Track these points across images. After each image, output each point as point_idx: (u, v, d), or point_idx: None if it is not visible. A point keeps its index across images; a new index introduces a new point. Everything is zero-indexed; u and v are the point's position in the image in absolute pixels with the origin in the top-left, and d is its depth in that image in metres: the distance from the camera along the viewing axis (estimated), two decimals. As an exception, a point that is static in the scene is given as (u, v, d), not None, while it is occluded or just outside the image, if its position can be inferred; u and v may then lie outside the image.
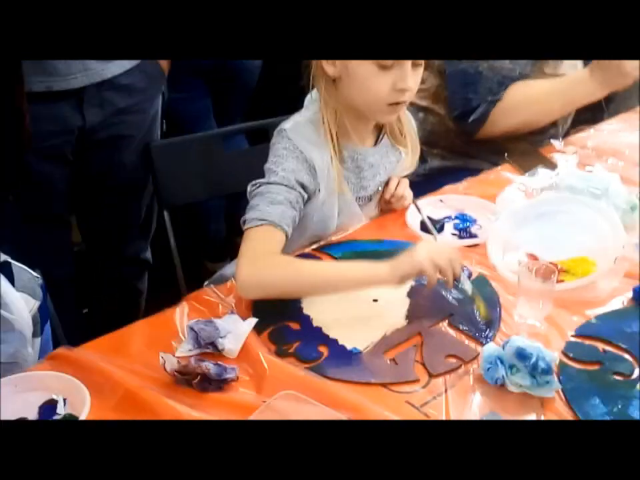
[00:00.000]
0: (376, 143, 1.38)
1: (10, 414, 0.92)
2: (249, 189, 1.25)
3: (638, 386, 1.01)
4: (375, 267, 1.13)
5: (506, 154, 1.68)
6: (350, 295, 1.17)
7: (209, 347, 1.05)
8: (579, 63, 1.77)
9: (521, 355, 0.99)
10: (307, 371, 1.03)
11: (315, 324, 1.13)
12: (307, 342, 1.09)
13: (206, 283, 1.60)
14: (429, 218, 1.40)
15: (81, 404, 0.93)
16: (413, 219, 1.41)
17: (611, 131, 1.83)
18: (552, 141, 1.74)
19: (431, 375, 1.03)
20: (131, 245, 1.79)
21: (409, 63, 1.19)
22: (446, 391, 1.00)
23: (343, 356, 1.06)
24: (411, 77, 1.21)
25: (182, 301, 1.18)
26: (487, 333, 1.11)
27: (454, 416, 0.96)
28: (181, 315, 1.14)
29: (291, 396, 0.97)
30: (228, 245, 2.68)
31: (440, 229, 1.39)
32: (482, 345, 1.08)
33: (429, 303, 1.18)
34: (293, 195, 1.22)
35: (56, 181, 1.56)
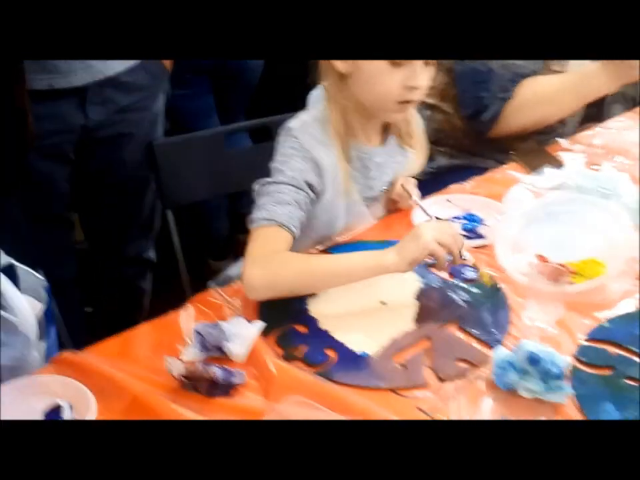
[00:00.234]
0: (383, 143, 1.36)
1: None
2: (255, 187, 1.24)
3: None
4: (382, 254, 1.12)
5: (512, 152, 1.66)
6: (357, 297, 1.16)
7: (215, 351, 1.04)
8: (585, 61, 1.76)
9: (533, 359, 0.98)
10: (315, 375, 1.01)
11: (322, 327, 1.12)
12: (314, 345, 1.08)
13: (210, 283, 1.60)
14: (436, 219, 1.38)
15: (86, 409, 0.92)
16: (419, 219, 1.39)
17: (618, 128, 1.81)
18: (558, 139, 1.72)
19: (441, 380, 1.01)
20: (134, 244, 1.78)
21: (420, 60, 1.18)
22: (456, 396, 0.99)
23: (352, 360, 1.05)
24: (421, 75, 1.19)
25: (187, 303, 1.17)
26: (496, 336, 1.10)
27: (465, 421, 0.95)
28: (187, 318, 1.12)
29: (298, 402, 0.95)
30: (231, 242, 2.67)
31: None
32: (492, 348, 1.06)
33: (437, 305, 1.17)
34: (300, 195, 1.21)
35: (57, 179, 1.54)
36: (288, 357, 1.05)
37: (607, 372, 1.04)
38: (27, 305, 1.05)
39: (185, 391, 0.99)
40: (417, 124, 1.39)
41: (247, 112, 2.59)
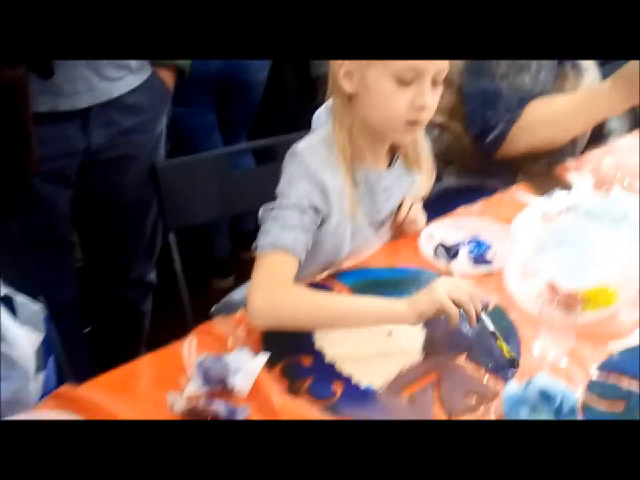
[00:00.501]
0: (390, 166, 1.34)
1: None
2: (260, 212, 1.22)
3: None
4: (392, 303, 1.10)
5: (520, 174, 1.64)
6: (364, 329, 1.13)
7: (218, 385, 1.01)
8: (598, 79, 1.73)
9: (545, 396, 0.95)
10: (320, 412, 0.99)
11: (327, 359, 1.10)
12: (320, 379, 1.05)
13: (213, 309, 1.58)
14: (443, 243, 1.37)
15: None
16: (426, 244, 1.37)
17: (626, 148, 1.79)
18: (567, 160, 1.70)
19: (450, 416, 0.99)
20: (135, 267, 1.76)
21: (428, 80, 1.16)
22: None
23: (358, 395, 1.03)
24: (429, 94, 1.17)
25: (190, 333, 1.14)
26: (507, 369, 1.07)
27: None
28: (189, 349, 1.10)
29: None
30: (233, 260, 2.65)
31: (454, 255, 1.35)
32: (502, 380, 1.04)
33: (445, 335, 1.14)
34: (306, 219, 1.19)
35: (59, 202, 1.52)
36: (293, 390, 1.03)
37: (619, 406, 1.01)
38: (24, 337, 1.03)
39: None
40: (424, 147, 1.37)
41: (249, 129, 2.58)
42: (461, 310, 1.08)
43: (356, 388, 1.04)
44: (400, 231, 1.43)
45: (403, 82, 1.15)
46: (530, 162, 1.69)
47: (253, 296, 1.11)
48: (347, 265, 1.34)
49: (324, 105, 1.74)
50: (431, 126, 1.59)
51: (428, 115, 1.21)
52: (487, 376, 1.06)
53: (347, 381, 1.05)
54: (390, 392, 1.03)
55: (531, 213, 1.44)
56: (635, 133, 1.89)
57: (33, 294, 1.33)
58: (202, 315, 1.57)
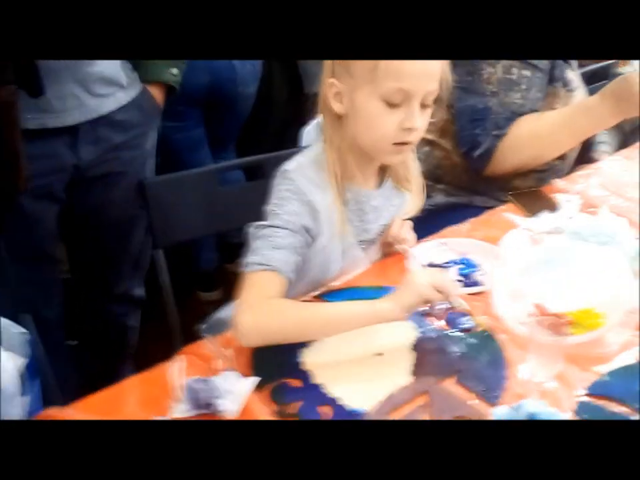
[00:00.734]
0: (380, 185, 1.34)
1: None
2: (249, 230, 1.21)
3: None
4: (377, 302, 1.11)
5: (509, 194, 1.65)
6: (353, 349, 1.13)
7: (206, 408, 1.01)
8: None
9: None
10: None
11: (316, 381, 1.09)
12: (308, 402, 1.05)
13: (201, 327, 1.57)
14: (431, 264, 1.37)
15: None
16: (414, 265, 1.37)
17: (613, 168, 1.80)
18: (554, 180, 1.71)
19: (438, 440, 0.99)
20: (122, 283, 1.75)
21: (417, 102, 1.16)
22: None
23: (346, 418, 1.02)
24: (418, 116, 1.18)
25: (177, 354, 1.13)
26: (495, 392, 1.07)
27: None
28: (177, 371, 1.09)
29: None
30: (219, 273, 2.64)
31: (443, 275, 1.35)
32: (490, 404, 1.04)
33: (434, 357, 1.14)
34: (296, 239, 1.19)
35: (46, 219, 1.52)
36: (281, 414, 1.03)
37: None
38: (8, 362, 1.01)
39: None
40: (413, 166, 1.38)
41: (237, 143, 2.58)
42: (447, 332, 1.10)
43: (345, 410, 1.03)
44: (389, 251, 1.43)
45: (391, 104, 1.16)
46: (519, 179, 1.69)
47: (241, 315, 1.11)
48: (335, 284, 1.34)
49: (313, 122, 1.75)
50: (421, 143, 1.59)
51: (417, 136, 1.21)
52: (476, 400, 1.06)
53: (335, 403, 1.05)
54: (379, 414, 1.03)
55: (519, 233, 1.45)
56: (622, 152, 1.91)
57: (18, 310, 1.33)
58: (189, 328, 1.57)
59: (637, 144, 1.93)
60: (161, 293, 1.61)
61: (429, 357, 1.14)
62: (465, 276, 1.35)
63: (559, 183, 1.70)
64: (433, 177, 1.71)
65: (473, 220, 1.56)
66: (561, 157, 1.73)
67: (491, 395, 1.06)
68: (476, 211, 1.64)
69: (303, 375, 1.10)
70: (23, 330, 1.12)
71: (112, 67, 1.48)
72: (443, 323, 1.22)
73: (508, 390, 1.08)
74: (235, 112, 2.41)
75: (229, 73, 2.23)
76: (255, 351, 1.13)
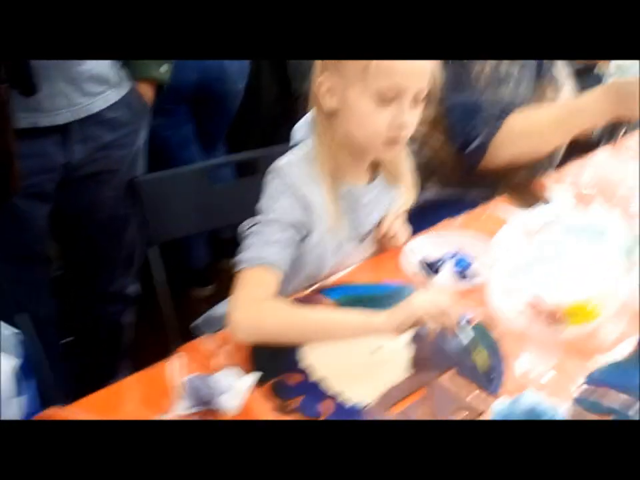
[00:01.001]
0: (372, 181, 1.34)
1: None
2: (243, 226, 1.21)
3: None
4: (371, 316, 1.10)
5: (501, 188, 1.65)
6: (351, 345, 1.13)
7: (207, 405, 1.00)
8: (575, 93, 1.76)
9: (533, 412, 0.96)
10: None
11: (315, 377, 1.09)
12: (308, 397, 1.05)
13: (194, 324, 1.56)
14: (426, 258, 1.37)
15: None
16: (408, 260, 1.37)
17: (604, 161, 1.82)
18: (546, 172, 1.72)
19: (439, 433, 0.99)
20: (115, 281, 1.74)
21: (408, 99, 1.16)
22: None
23: (346, 414, 1.02)
24: (409, 113, 1.18)
25: (176, 352, 1.13)
26: (492, 383, 1.07)
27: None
28: (176, 369, 1.08)
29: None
30: (212, 269, 2.64)
31: (437, 270, 1.36)
32: (489, 395, 1.04)
33: (433, 351, 1.14)
34: (288, 234, 1.19)
35: (37, 218, 1.50)
36: (282, 409, 1.02)
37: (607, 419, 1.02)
38: (2, 363, 1.00)
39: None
40: (405, 162, 1.38)
41: (227, 140, 2.57)
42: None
43: (345, 406, 1.03)
44: (383, 246, 1.43)
45: (383, 101, 1.16)
46: (509, 173, 1.70)
47: (234, 311, 1.11)
48: (330, 279, 1.34)
49: (304, 118, 1.75)
50: (411, 139, 1.60)
51: (408, 133, 1.21)
52: (475, 392, 1.06)
53: (335, 398, 1.05)
54: (379, 409, 1.03)
55: (513, 228, 1.45)
56: (613, 145, 1.92)
57: (9, 309, 1.32)
58: (183, 325, 1.57)
59: (629, 136, 1.95)
60: (155, 290, 1.60)
61: (427, 350, 1.15)
62: (460, 270, 1.35)
63: (551, 176, 1.71)
64: (423, 172, 1.70)
65: (466, 214, 1.57)
66: (551, 153, 1.75)
67: (489, 387, 1.07)
68: (468, 205, 1.64)
69: (303, 372, 1.10)
70: (16, 330, 1.10)
71: (102, 66, 1.47)
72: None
73: (507, 382, 1.08)
74: (223, 109, 2.40)
75: (217, 69, 2.22)
76: (254, 347, 1.13)
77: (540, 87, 1.68)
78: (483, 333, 1.18)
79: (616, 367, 1.11)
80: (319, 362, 1.12)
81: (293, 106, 1.64)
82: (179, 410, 1.00)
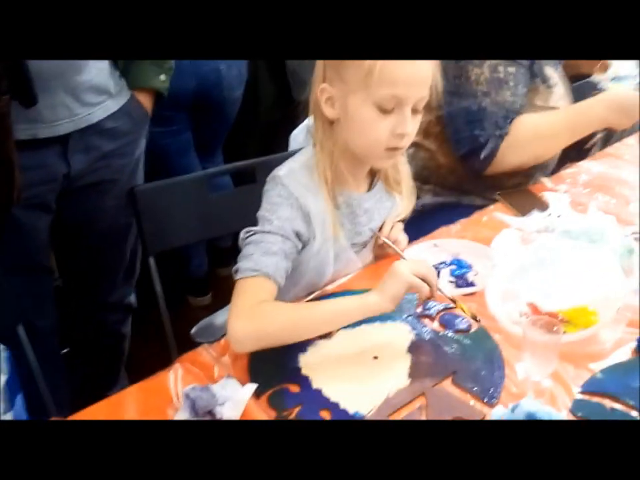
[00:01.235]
0: (370, 188, 1.35)
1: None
2: (241, 236, 1.22)
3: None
4: (365, 296, 1.12)
5: (498, 194, 1.66)
6: (349, 353, 1.14)
7: (206, 415, 1.01)
8: (567, 95, 1.76)
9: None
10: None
11: (314, 385, 1.10)
12: (307, 407, 1.05)
13: (193, 330, 1.57)
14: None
15: None
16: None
17: (600, 165, 1.82)
18: (542, 179, 1.73)
19: (437, 441, 0.99)
20: (114, 291, 1.75)
21: (409, 108, 1.17)
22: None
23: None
24: (410, 122, 1.19)
25: (175, 362, 1.14)
26: (492, 392, 1.08)
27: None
28: (175, 379, 1.09)
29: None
30: (210, 277, 2.64)
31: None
32: (487, 404, 1.05)
33: (430, 359, 1.15)
34: (287, 245, 1.19)
35: (38, 229, 1.51)
36: (281, 419, 1.03)
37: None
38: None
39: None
40: (404, 169, 1.38)
41: (225, 147, 2.58)
42: (440, 333, 1.10)
43: (344, 414, 1.04)
44: (382, 253, 1.44)
45: (384, 110, 1.16)
46: (505, 177, 1.71)
47: (234, 322, 1.10)
48: (329, 287, 1.35)
49: (301, 125, 1.76)
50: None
51: (408, 141, 1.22)
52: (473, 400, 1.07)
53: (334, 407, 1.05)
54: (378, 417, 1.03)
55: (510, 233, 1.46)
56: (606, 150, 1.93)
57: (12, 320, 1.32)
58: (181, 333, 1.57)
59: (624, 140, 1.96)
60: (153, 299, 1.61)
61: (425, 358, 1.15)
62: (458, 277, 1.36)
63: (547, 181, 1.72)
64: (419, 178, 1.72)
65: (463, 220, 1.57)
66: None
67: (488, 395, 1.07)
68: (465, 210, 1.65)
69: (301, 380, 1.11)
70: (2, 346, 1.11)
71: (101, 76, 1.48)
72: (438, 324, 1.23)
73: (504, 390, 1.09)
74: (221, 116, 2.41)
75: (214, 77, 2.23)
76: (251, 357, 1.14)
77: (532, 88, 1.69)
78: (484, 338, 1.19)
79: (611, 374, 1.12)
80: (316, 372, 1.12)
81: (291, 112, 1.65)
82: (179, 420, 1.00)
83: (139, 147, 1.63)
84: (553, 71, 1.72)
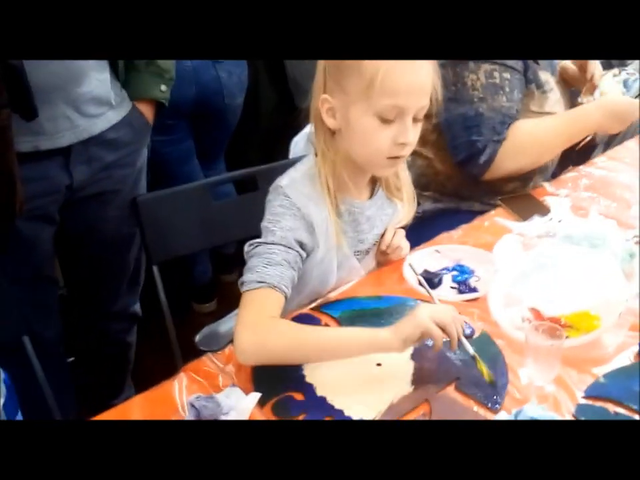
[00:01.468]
0: (372, 196, 1.36)
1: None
2: (245, 249, 1.22)
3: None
4: (377, 332, 1.11)
5: (499, 199, 1.66)
6: (353, 360, 1.14)
7: (211, 425, 1.02)
8: (562, 100, 1.77)
9: (535, 426, 0.97)
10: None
11: (318, 393, 1.10)
12: (312, 414, 1.06)
13: (197, 338, 1.58)
14: (426, 272, 1.38)
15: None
16: (409, 273, 1.38)
17: (600, 169, 1.83)
18: (543, 183, 1.73)
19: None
20: (119, 300, 1.75)
21: (410, 117, 1.18)
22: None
23: (350, 430, 1.03)
24: (411, 131, 1.19)
25: (180, 372, 1.14)
26: (495, 398, 1.08)
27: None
28: (180, 389, 1.10)
29: None
30: (215, 284, 2.65)
31: (438, 283, 1.37)
32: (492, 411, 1.05)
33: (434, 366, 1.16)
34: (291, 255, 1.19)
35: (42, 240, 1.52)
36: (285, 428, 1.03)
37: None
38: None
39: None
40: (404, 176, 1.39)
41: (227, 155, 2.59)
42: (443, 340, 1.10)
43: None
44: (384, 260, 1.44)
45: (385, 120, 1.17)
46: (503, 182, 1.71)
47: (240, 334, 1.10)
48: (332, 295, 1.35)
49: (302, 132, 1.76)
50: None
51: (409, 150, 1.23)
52: (476, 406, 1.07)
53: (339, 414, 1.06)
54: (382, 425, 1.04)
55: (511, 239, 1.46)
56: (607, 153, 1.93)
57: (16, 331, 1.33)
58: (187, 340, 1.58)
59: (625, 144, 1.96)
60: (158, 307, 1.61)
61: (428, 365, 1.16)
62: (460, 282, 1.37)
63: (548, 186, 1.72)
64: (418, 185, 1.73)
65: (464, 226, 1.58)
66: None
67: (492, 401, 1.08)
68: (465, 215, 1.66)
69: (305, 388, 1.11)
70: None
71: (101, 87, 1.49)
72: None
73: (508, 396, 1.09)
74: (222, 124, 2.42)
75: (215, 85, 2.24)
76: (255, 366, 1.14)
77: (527, 93, 1.70)
78: (487, 344, 1.20)
79: (614, 378, 1.12)
80: (321, 379, 1.13)
81: (293, 119, 1.65)
82: (184, 430, 1.01)
83: (140, 157, 1.64)
84: (548, 76, 1.73)
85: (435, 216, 1.79)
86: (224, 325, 1.54)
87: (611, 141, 2.00)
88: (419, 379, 1.12)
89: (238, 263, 1.22)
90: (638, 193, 1.61)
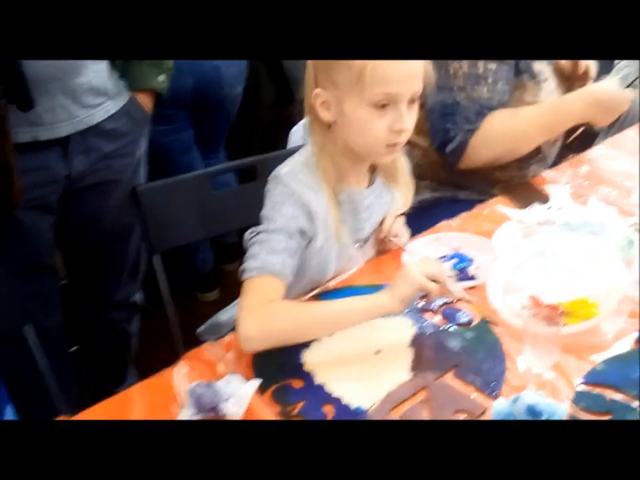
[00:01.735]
0: (370, 184, 1.36)
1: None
2: (246, 237, 1.22)
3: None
4: (375, 296, 1.14)
5: (498, 188, 1.66)
6: (352, 348, 1.15)
7: (210, 412, 1.02)
8: (558, 90, 1.76)
9: (533, 412, 0.97)
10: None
11: (317, 381, 1.11)
12: (310, 401, 1.06)
13: (199, 330, 1.58)
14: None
15: None
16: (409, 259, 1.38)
17: (601, 157, 1.82)
18: (543, 171, 1.73)
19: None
20: (120, 289, 1.76)
21: (404, 103, 1.18)
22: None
23: (348, 416, 1.04)
24: (407, 117, 1.19)
25: (180, 360, 1.15)
26: (493, 384, 1.09)
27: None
28: (180, 376, 1.10)
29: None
30: (217, 273, 2.66)
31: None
32: (490, 397, 1.06)
33: (432, 353, 1.16)
34: (292, 242, 1.20)
35: (42, 230, 1.52)
36: (285, 414, 1.04)
37: (604, 419, 1.03)
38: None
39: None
40: (402, 164, 1.39)
41: (227, 142, 2.59)
42: (442, 327, 1.11)
43: (347, 409, 1.05)
44: (383, 248, 1.45)
45: (380, 108, 1.17)
46: (499, 171, 1.71)
47: (244, 321, 1.11)
48: (331, 283, 1.36)
49: (301, 122, 1.76)
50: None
51: (407, 135, 1.23)
52: (474, 393, 1.07)
53: (337, 402, 1.06)
54: (380, 411, 1.04)
55: (511, 226, 1.46)
56: (607, 141, 1.93)
57: (18, 321, 1.34)
58: (189, 330, 1.58)
59: (625, 132, 1.96)
60: (160, 297, 1.62)
61: (427, 352, 1.16)
62: (460, 270, 1.36)
63: (548, 173, 1.72)
64: (415, 174, 1.71)
65: (464, 214, 1.58)
66: (538, 149, 1.74)
67: (490, 387, 1.08)
68: (463, 204, 1.65)
69: (304, 376, 1.12)
70: None
71: (100, 77, 1.49)
72: (439, 318, 1.24)
73: (506, 382, 1.10)
74: (222, 113, 2.41)
75: (213, 74, 2.24)
76: (255, 353, 1.15)
77: (520, 86, 1.68)
78: (485, 331, 1.20)
79: (613, 365, 1.12)
80: (319, 367, 1.13)
81: (291, 109, 1.65)
82: (184, 417, 1.02)
83: (139, 147, 1.64)
84: (544, 66, 1.71)
85: (432, 205, 1.78)
86: (224, 314, 1.54)
87: (612, 128, 1.99)
88: (418, 366, 1.13)
89: (240, 252, 1.22)
90: (638, 180, 1.61)
